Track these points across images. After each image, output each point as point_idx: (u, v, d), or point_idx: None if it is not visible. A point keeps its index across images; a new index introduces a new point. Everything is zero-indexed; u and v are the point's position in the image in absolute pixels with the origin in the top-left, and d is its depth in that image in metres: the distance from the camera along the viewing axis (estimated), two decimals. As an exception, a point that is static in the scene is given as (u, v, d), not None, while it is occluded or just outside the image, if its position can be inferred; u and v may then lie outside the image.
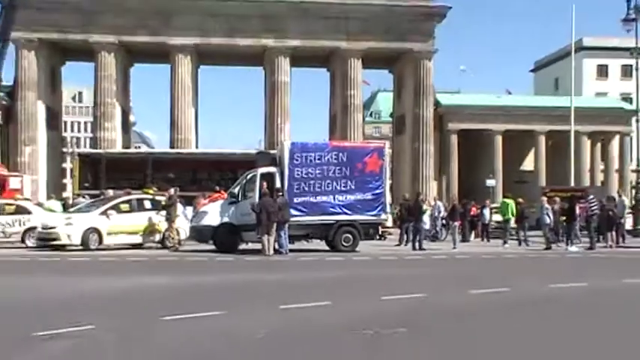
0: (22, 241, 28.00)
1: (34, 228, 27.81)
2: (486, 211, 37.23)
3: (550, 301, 14.86)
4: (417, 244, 29.85)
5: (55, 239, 26.43)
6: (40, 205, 34.09)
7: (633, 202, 37.45)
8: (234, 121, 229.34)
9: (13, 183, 43.19)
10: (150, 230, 27.94)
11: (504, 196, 40.55)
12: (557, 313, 13.30)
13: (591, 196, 33.90)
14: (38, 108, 57.96)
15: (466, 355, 9.51)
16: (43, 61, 58.16)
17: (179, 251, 26.66)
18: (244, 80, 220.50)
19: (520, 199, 35.12)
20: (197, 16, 57.13)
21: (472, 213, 37.26)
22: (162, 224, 27.73)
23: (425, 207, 34.13)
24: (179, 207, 28.87)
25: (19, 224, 28.50)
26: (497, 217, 38.92)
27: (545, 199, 33.97)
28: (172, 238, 27.44)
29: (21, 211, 29.57)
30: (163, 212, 27.73)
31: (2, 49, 47.80)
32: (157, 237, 27.94)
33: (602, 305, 14.39)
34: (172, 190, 29.38)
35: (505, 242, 32.75)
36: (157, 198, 29.33)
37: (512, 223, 34.02)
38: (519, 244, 32.56)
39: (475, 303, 14.26)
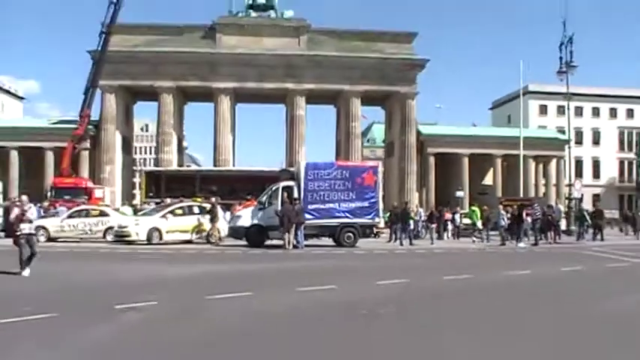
0: (104, 237, 28.05)
1: (112, 227, 27.91)
2: (457, 216, 37.13)
3: (503, 285, 14.96)
4: (404, 241, 29.89)
5: (127, 236, 26.57)
6: (116, 210, 34.18)
7: (566, 209, 37.38)
8: (262, 145, 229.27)
9: (97, 193, 43.51)
10: (197, 229, 27.98)
11: (471, 205, 40.47)
12: (508, 293, 13.44)
13: (536, 205, 33.87)
14: (116, 137, 58.16)
15: (439, 323, 9.67)
16: (120, 101, 58.41)
17: (220, 246, 26.65)
18: (270, 114, 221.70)
19: (485, 207, 35.08)
20: (235, 66, 57.25)
21: (446, 217, 37.09)
22: (206, 225, 27.77)
23: (412, 214, 34.15)
24: (220, 212, 28.90)
25: (101, 224, 28.56)
26: (466, 221, 38.98)
27: (501, 206, 33.93)
28: (214, 236, 27.48)
29: (103, 214, 29.69)
30: (208, 216, 27.79)
31: (92, 93, 48.31)
32: (203, 235, 27.96)
33: (541, 287, 14.54)
34: (214, 199, 29.48)
35: (473, 240, 32.75)
36: (203, 205, 29.40)
37: (480, 225, 34.00)
38: (482, 241, 32.46)
39: (447, 286, 14.31)
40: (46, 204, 37.19)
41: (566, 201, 40.66)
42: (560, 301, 12.23)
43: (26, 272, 14.50)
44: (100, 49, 47.74)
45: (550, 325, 9.65)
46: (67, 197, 38.97)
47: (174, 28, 58.31)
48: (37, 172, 56.93)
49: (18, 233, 15.08)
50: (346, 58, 57.50)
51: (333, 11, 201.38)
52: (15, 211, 15.68)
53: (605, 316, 10.66)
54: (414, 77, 59.31)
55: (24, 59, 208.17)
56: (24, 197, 16.66)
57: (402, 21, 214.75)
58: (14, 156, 58.40)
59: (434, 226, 33.13)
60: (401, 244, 29.59)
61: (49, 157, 56.93)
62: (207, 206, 28.57)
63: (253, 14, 60.46)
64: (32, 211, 15.75)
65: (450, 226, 37.12)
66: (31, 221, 15.38)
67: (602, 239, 33.24)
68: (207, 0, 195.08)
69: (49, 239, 27.16)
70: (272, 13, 60.92)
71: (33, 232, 15.46)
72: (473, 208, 36.94)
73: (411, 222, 32.49)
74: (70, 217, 28.79)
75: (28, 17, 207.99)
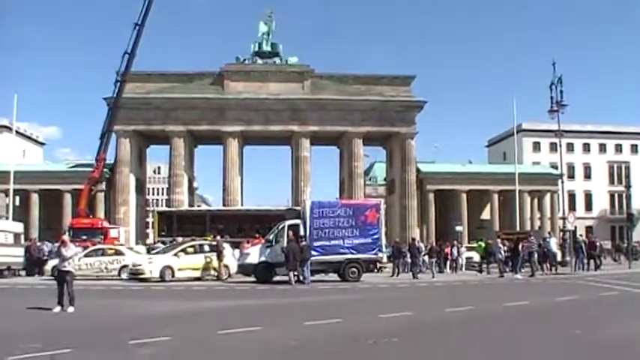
0: (119, 274, 27.98)
1: (127, 265, 27.87)
2: (454, 250, 36.85)
3: (503, 315, 14.91)
4: (417, 275, 30.04)
5: (141, 274, 26.47)
6: (130, 248, 34.13)
7: (561, 241, 37.25)
8: (269, 185, 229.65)
9: (112, 233, 43.43)
10: (207, 267, 27.92)
11: (480, 239, 40.00)
12: (508, 322, 13.32)
13: (532, 237, 33.75)
14: (130, 179, 58.46)
15: (441, 353, 9.70)
16: (134, 145, 58.87)
17: (229, 282, 26.57)
18: (276, 155, 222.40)
19: (490, 240, 34.91)
20: (243, 110, 57.72)
21: (447, 251, 36.85)
22: (215, 262, 27.74)
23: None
24: (228, 249, 28.87)
25: (117, 263, 28.53)
26: (468, 254, 38.90)
27: (499, 240, 33.85)
28: (220, 273, 27.45)
29: (118, 253, 29.69)
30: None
31: (108, 138, 48.69)
32: (213, 272, 27.87)
33: (538, 317, 14.48)
34: (218, 238, 29.49)
35: (481, 271, 32.65)
36: (213, 243, 29.35)
37: (477, 258, 33.95)
38: (487, 273, 32.37)
39: (449, 318, 14.27)
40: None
41: (561, 233, 40.55)
42: (556, 330, 12.19)
43: (71, 309, 14.82)
44: (115, 96, 48.25)
45: (545, 352, 9.64)
46: (84, 237, 38.94)
47: (185, 75, 59.06)
48: (56, 214, 57.22)
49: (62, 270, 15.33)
50: (348, 101, 57.99)
51: (336, 56, 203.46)
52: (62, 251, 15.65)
53: (596, 344, 10.69)
54: (413, 118, 59.65)
55: (48, 107, 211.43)
56: (65, 237, 16.82)
57: (400, 63, 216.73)
58: (35, 198, 58.75)
59: (434, 260, 33.04)
60: (414, 277, 29.68)
61: (67, 198, 57.23)
62: (220, 243, 28.59)
63: (259, 61, 61.16)
64: (71, 250, 15.77)
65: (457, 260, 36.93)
66: (66, 259, 15.44)
67: (595, 269, 33.13)
68: (215, 48, 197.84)
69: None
70: (277, 60, 61.56)
71: (68, 269, 15.45)
72: (480, 242, 36.76)
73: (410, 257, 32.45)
74: (86, 255, 28.77)
75: (53, 67, 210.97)
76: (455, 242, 38.13)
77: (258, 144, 66.99)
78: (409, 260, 32.66)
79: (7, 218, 45.08)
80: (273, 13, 64.08)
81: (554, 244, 34.10)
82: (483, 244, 34.85)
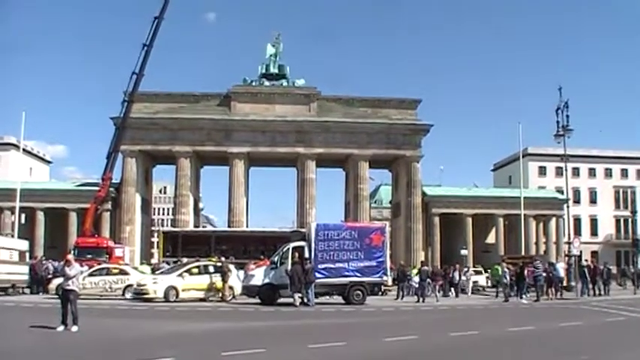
0: (123, 294, 27.93)
1: (131, 285, 27.81)
2: (456, 273, 36.40)
3: (508, 340, 14.81)
4: (422, 298, 30.03)
5: (145, 293, 26.33)
6: (135, 268, 34.10)
7: (566, 265, 37.05)
8: (274, 206, 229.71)
9: (117, 252, 43.43)
10: (211, 288, 27.84)
11: (496, 263, 39.38)
12: (513, 347, 13.26)
13: (537, 262, 33.62)
14: (136, 198, 58.69)
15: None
16: (140, 165, 59.14)
17: (233, 303, 26.50)
18: (282, 177, 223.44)
19: (510, 266, 34.29)
20: (249, 132, 58.07)
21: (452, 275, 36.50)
22: (219, 283, 27.70)
23: (415, 271, 33.95)
24: (233, 271, 28.81)
25: (121, 282, 28.51)
26: (475, 278, 38.69)
27: (504, 264, 33.68)
28: (224, 294, 27.42)
29: (122, 272, 29.67)
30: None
31: (114, 157, 48.86)
32: (217, 293, 27.81)
33: (544, 342, 14.36)
34: (223, 259, 29.50)
35: (499, 295, 32.46)
36: (218, 264, 29.32)
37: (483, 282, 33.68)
38: (505, 298, 31.89)
39: (454, 342, 14.21)
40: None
41: (566, 258, 40.38)
42: (562, 356, 12.12)
43: (74, 328, 14.76)
44: (122, 116, 48.44)
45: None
46: (89, 256, 38.93)
47: (192, 96, 59.45)
48: (62, 232, 57.34)
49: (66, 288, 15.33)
50: (354, 124, 58.22)
51: (342, 79, 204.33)
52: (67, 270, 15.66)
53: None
54: (419, 141, 59.82)
55: (55, 126, 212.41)
56: (70, 256, 16.81)
57: (406, 86, 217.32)
58: (40, 216, 58.91)
59: (439, 284, 32.79)
60: (423, 301, 29.68)
61: (73, 217, 57.43)
62: (225, 264, 28.56)
63: (266, 83, 61.55)
64: (74, 269, 15.80)
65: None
66: (70, 277, 15.45)
67: (599, 294, 33.03)
68: (222, 69, 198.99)
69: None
70: (284, 82, 61.91)
71: (72, 288, 15.42)
72: (496, 266, 36.34)
73: (416, 279, 32.27)
74: (91, 275, 28.77)
75: (60, 86, 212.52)
76: (457, 266, 37.84)
77: (264, 165, 67.10)
78: (414, 284, 32.53)
79: (12, 236, 45.28)
80: (281, 36, 64.73)
81: (561, 269, 33.97)
82: (500, 269, 34.04)
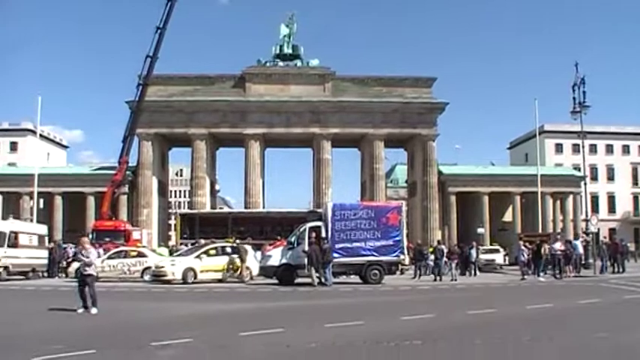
0: (141, 276, 28.19)
1: (149, 267, 28.05)
2: (473, 251, 36.24)
3: (526, 318, 14.76)
4: (439, 277, 30.11)
5: (163, 275, 26.59)
6: (153, 251, 34.30)
7: (584, 243, 36.79)
8: (290, 187, 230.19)
9: (135, 235, 43.75)
10: (229, 269, 28.00)
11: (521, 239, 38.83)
12: (531, 325, 13.17)
13: (556, 238, 33.46)
14: (152, 181, 58.91)
15: (465, 357, 9.63)
16: (156, 148, 59.26)
17: (251, 284, 26.62)
18: (298, 157, 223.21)
19: (527, 243, 33.96)
20: (264, 113, 57.93)
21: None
22: (238, 264, 27.80)
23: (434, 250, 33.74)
24: (250, 251, 28.91)
25: (139, 265, 28.76)
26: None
27: (521, 242, 33.49)
28: (243, 275, 27.54)
29: (140, 255, 29.91)
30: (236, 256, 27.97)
31: (130, 141, 48.99)
32: (235, 274, 27.93)
33: (563, 319, 14.30)
34: (238, 242, 29.57)
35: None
36: (235, 245, 29.44)
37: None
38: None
39: (471, 320, 14.16)
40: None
41: (583, 235, 40.12)
42: (581, 333, 12.02)
43: (94, 310, 14.90)
44: (137, 99, 48.46)
45: (571, 355, 9.52)
46: (107, 239, 39.26)
47: (207, 78, 59.25)
48: (80, 216, 57.67)
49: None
50: (369, 103, 57.85)
51: (356, 58, 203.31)
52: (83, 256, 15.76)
53: (622, 347, 10.54)
54: (435, 120, 59.39)
55: (71, 111, 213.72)
56: (85, 239, 16.90)
57: (420, 65, 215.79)
58: (58, 201, 59.37)
59: (455, 262, 32.54)
60: (440, 279, 29.91)
61: (91, 201, 57.71)
62: (241, 246, 28.70)
63: (280, 63, 61.23)
64: (91, 253, 15.90)
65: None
66: (87, 263, 15.55)
67: (618, 271, 32.80)
68: (236, 50, 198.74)
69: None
70: (298, 62, 61.59)
71: (90, 272, 15.51)
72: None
73: (432, 258, 32.25)
74: (109, 257, 29.00)
75: (76, 71, 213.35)
76: (474, 244, 37.56)
77: (279, 146, 67.00)
78: (431, 263, 32.48)
79: (31, 221, 45.65)
80: (295, 16, 64.34)
81: (580, 246, 33.78)
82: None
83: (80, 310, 14.80)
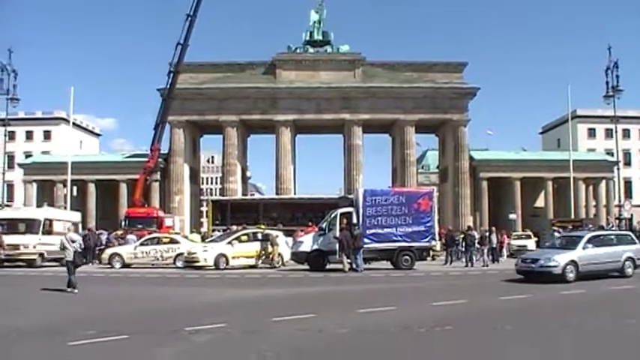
0: (174, 263, 28.38)
1: (182, 254, 28.20)
2: (493, 236, 33.92)
3: (559, 304, 14.68)
4: (469, 263, 30.05)
5: (196, 262, 26.73)
6: (185, 237, 34.56)
7: (617, 229, 36.29)
8: (321, 173, 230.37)
9: (167, 222, 44.17)
10: (260, 255, 28.20)
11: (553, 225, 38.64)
12: (564, 311, 13.10)
13: (589, 225, 33.06)
14: (184, 168, 59.52)
15: (496, 343, 9.56)
16: (188, 135, 59.81)
17: (282, 270, 26.75)
18: (329, 143, 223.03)
19: (560, 229, 33.64)
20: (295, 99, 58.06)
21: (503, 240, 35.82)
22: (269, 250, 27.95)
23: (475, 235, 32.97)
24: (281, 237, 29.00)
25: (172, 251, 28.93)
26: (522, 242, 38.19)
27: (553, 227, 33.12)
28: (274, 260, 27.72)
29: (173, 241, 30.08)
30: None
31: (162, 128, 49.40)
32: (266, 260, 28.10)
33: (595, 305, 14.16)
34: (268, 231, 29.73)
35: None
36: (267, 231, 29.57)
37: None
38: None
39: (503, 305, 14.13)
40: (120, 232, 38.11)
41: (616, 221, 39.61)
42: (613, 318, 11.90)
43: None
44: (168, 87, 48.78)
45: (603, 340, 9.45)
46: (139, 226, 39.69)
47: (237, 65, 59.50)
48: (112, 203, 58.53)
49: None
50: (400, 89, 57.59)
51: (387, 44, 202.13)
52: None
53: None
54: (466, 105, 58.95)
55: (104, 99, 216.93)
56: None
57: (451, 50, 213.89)
58: (91, 188, 60.26)
59: (486, 248, 32.07)
60: (472, 265, 29.88)
61: (123, 188, 58.47)
62: (270, 233, 28.84)
63: (311, 50, 61.29)
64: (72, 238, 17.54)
65: (504, 249, 36.06)
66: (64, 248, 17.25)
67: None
68: (266, 37, 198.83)
69: (124, 265, 27.85)
70: (328, 48, 61.57)
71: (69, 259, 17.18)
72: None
73: (464, 245, 31.99)
74: (142, 244, 29.32)
75: (109, 60, 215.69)
76: (493, 229, 36.30)
77: (310, 132, 67.05)
78: (462, 248, 32.27)
79: (65, 208, 46.36)
80: (324, 2, 64.16)
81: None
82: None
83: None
